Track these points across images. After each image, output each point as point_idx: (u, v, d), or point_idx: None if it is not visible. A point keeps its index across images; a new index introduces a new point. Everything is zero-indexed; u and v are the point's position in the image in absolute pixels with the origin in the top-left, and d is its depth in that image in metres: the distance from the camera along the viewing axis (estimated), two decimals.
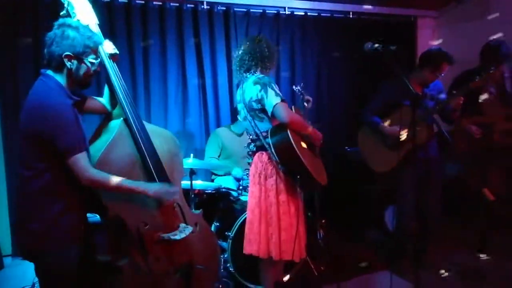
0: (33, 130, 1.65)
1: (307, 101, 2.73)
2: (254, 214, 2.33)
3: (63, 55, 1.71)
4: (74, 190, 1.76)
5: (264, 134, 2.29)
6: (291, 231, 2.27)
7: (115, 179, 1.77)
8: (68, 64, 1.72)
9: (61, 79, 1.75)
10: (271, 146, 2.21)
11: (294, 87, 2.82)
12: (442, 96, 3.07)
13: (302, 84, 2.92)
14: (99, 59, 1.83)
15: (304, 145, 2.33)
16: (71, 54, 1.72)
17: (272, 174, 2.27)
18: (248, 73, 2.35)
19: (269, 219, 2.28)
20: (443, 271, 3.01)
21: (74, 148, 1.67)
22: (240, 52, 2.40)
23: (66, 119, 1.67)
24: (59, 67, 1.74)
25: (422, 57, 3.03)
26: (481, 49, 3.19)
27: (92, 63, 1.78)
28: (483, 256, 3.28)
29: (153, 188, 1.91)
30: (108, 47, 1.97)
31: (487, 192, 3.27)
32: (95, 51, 1.80)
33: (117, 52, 2.00)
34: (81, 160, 1.69)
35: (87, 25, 1.84)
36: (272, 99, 2.19)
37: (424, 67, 2.93)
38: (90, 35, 1.77)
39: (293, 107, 2.48)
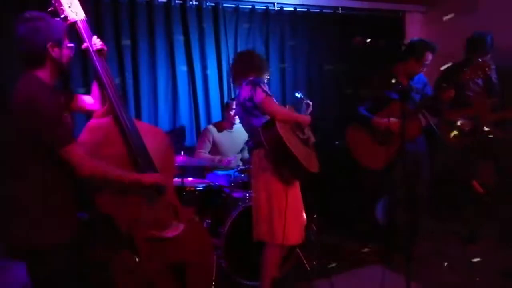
0: (22, 127, 1.63)
1: (307, 105, 2.85)
2: (256, 204, 2.50)
3: (47, 46, 1.69)
4: (65, 188, 1.75)
5: (258, 129, 2.44)
6: (291, 218, 2.42)
7: (113, 168, 1.77)
8: (52, 53, 1.71)
9: (43, 74, 1.73)
10: (262, 138, 2.37)
11: (296, 93, 2.96)
12: (428, 89, 3.10)
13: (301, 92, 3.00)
14: (72, 44, 1.82)
15: (296, 138, 2.50)
16: (53, 42, 1.71)
17: (268, 167, 2.44)
18: (244, 80, 2.55)
19: (270, 208, 2.43)
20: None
21: (67, 139, 1.67)
22: (233, 65, 2.67)
23: (54, 112, 1.66)
24: (41, 61, 1.72)
25: (405, 48, 3.05)
26: (466, 41, 3.21)
27: (70, 47, 1.79)
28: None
29: (149, 177, 1.91)
30: (96, 43, 1.94)
31: (476, 185, 3.31)
32: (66, 36, 1.79)
33: (105, 48, 1.98)
34: (76, 149, 1.69)
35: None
36: (259, 95, 2.41)
37: (408, 58, 2.96)
38: (58, 21, 1.78)
39: (287, 105, 2.62)
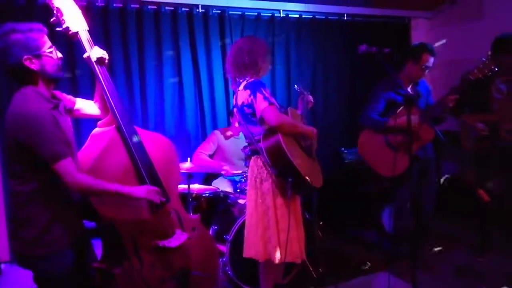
0: (15, 140, 1.64)
1: (307, 101, 2.68)
2: (252, 217, 2.34)
3: (23, 61, 1.65)
4: (65, 196, 1.75)
5: (257, 138, 2.29)
6: (290, 233, 2.26)
7: (102, 183, 1.75)
8: (31, 67, 1.66)
9: (35, 84, 1.71)
10: (263, 150, 2.22)
11: (295, 86, 2.77)
12: (430, 98, 3.10)
13: (300, 85, 2.82)
14: (52, 47, 1.74)
15: (298, 148, 2.35)
16: (28, 55, 1.65)
17: (267, 177, 2.28)
18: (240, 79, 2.35)
19: (266, 222, 2.29)
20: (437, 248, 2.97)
21: (58, 154, 1.64)
22: (227, 59, 2.43)
23: (46, 125, 1.63)
24: (26, 74, 1.68)
25: (404, 53, 3.06)
26: (492, 43, 3.11)
27: (51, 52, 1.71)
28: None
29: (139, 190, 1.86)
30: (96, 52, 1.93)
31: (482, 193, 3.27)
32: (45, 40, 1.71)
33: (106, 56, 1.96)
34: (66, 165, 1.66)
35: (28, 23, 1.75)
36: (260, 104, 2.20)
37: (407, 61, 2.97)
38: (29, 27, 1.68)
39: (289, 108, 2.46)
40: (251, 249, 2.32)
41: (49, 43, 1.74)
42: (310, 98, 2.70)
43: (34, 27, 1.70)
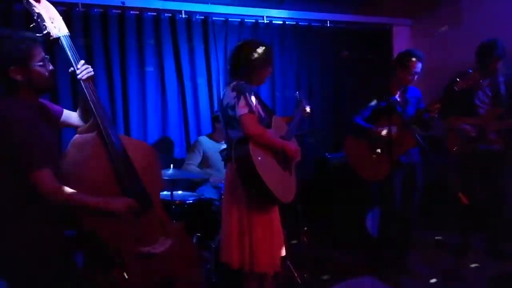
0: None
1: (306, 113, 2.61)
2: (227, 223, 2.30)
3: (8, 71, 1.61)
4: (42, 206, 1.70)
5: (233, 143, 2.24)
6: (263, 243, 2.22)
7: (80, 196, 1.72)
8: (16, 78, 1.63)
9: (19, 95, 1.68)
10: (233, 157, 2.18)
11: (297, 92, 2.71)
12: (421, 105, 3.14)
13: (302, 93, 2.73)
14: (47, 58, 1.71)
15: (273, 159, 2.27)
16: (15, 67, 1.62)
17: (241, 184, 2.23)
18: (233, 80, 2.30)
19: (240, 229, 2.24)
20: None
21: (35, 164, 1.62)
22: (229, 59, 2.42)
23: (26, 134, 1.61)
24: (11, 84, 1.65)
25: (393, 60, 3.12)
26: (477, 49, 3.19)
27: (42, 66, 1.67)
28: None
29: (117, 202, 1.83)
30: (84, 72, 1.89)
31: (461, 196, 3.32)
32: (37, 52, 1.66)
33: (92, 73, 1.93)
34: (43, 175, 1.63)
35: (24, 30, 1.72)
36: (241, 109, 2.14)
37: (396, 68, 3.01)
38: (22, 37, 1.63)
39: (273, 117, 2.41)
40: (226, 255, 2.29)
41: (41, 55, 1.69)
42: (307, 108, 2.64)
43: (28, 37, 1.65)
